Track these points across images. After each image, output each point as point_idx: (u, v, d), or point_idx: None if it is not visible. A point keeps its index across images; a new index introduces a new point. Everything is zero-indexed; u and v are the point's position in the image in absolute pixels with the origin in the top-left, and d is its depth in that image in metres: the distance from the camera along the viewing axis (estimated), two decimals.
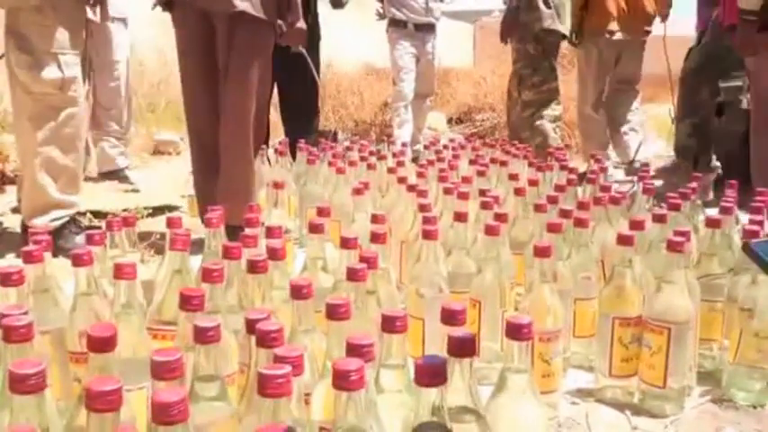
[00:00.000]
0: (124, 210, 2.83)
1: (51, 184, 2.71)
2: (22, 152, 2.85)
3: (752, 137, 3.43)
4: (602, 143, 4.62)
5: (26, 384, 0.86)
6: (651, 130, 6.66)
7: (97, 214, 3.18)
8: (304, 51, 3.28)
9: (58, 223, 2.73)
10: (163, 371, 0.91)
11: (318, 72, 4.27)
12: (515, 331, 1.07)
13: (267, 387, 0.86)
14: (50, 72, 2.65)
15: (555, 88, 4.57)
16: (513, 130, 4.78)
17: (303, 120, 4.38)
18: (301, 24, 2.84)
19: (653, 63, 4.76)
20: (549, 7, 4.32)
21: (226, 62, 2.77)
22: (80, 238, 2.56)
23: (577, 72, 4.84)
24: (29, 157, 2.72)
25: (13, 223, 3.19)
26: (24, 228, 2.71)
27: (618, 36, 4.33)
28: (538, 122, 4.48)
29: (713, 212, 2.03)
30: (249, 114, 2.81)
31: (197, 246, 1.80)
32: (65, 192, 2.77)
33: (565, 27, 4.44)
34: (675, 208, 2.07)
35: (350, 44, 8.26)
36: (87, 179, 3.88)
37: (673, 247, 1.64)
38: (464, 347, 0.98)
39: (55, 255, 1.83)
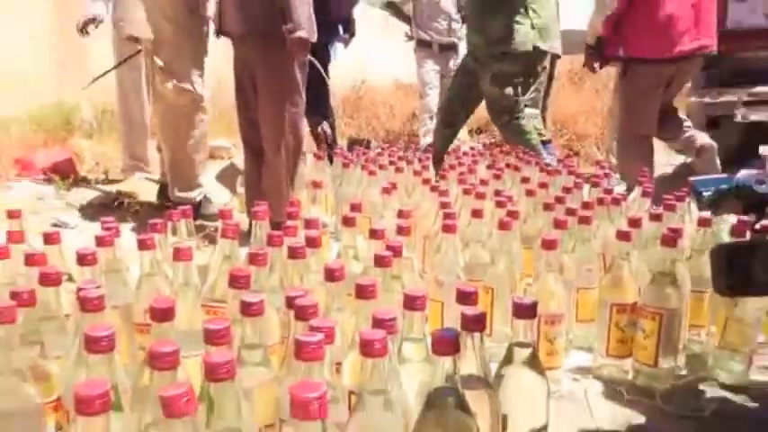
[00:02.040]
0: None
1: (191, 175, 3.22)
2: (168, 148, 3.25)
3: None
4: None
5: (99, 345, 0.90)
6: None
7: (159, 208, 3.27)
8: (315, 62, 3.15)
9: (200, 197, 3.26)
10: (214, 337, 0.94)
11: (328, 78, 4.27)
12: (521, 310, 1.09)
13: (303, 352, 0.88)
14: (187, 90, 3.07)
15: (534, 98, 4.46)
16: None
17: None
18: (301, 34, 2.68)
19: None
20: (533, 28, 4.34)
21: (255, 79, 2.81)
22: (214, 207, 3.15)
23: None
24: (174, 154, 3.18)
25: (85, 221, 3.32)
26: (176, 203, 3.01)
27: None
28: (515, 122, 4.43)
29: (705, 214, 2.02)
30: (282, 125, 2.80)
31: (243, 239, 1.83)
32: (199, 175, 3.28)
33: (547, 45, 4.42)
34: (671, 208, 2.06)
35: (381, 63, 8.26)
36: (149, 180, 3.97)
37: (667, 242, 1.64)
38: (475, 322, 0.99)
39: (195, 218, 2.23)
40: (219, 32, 2.92)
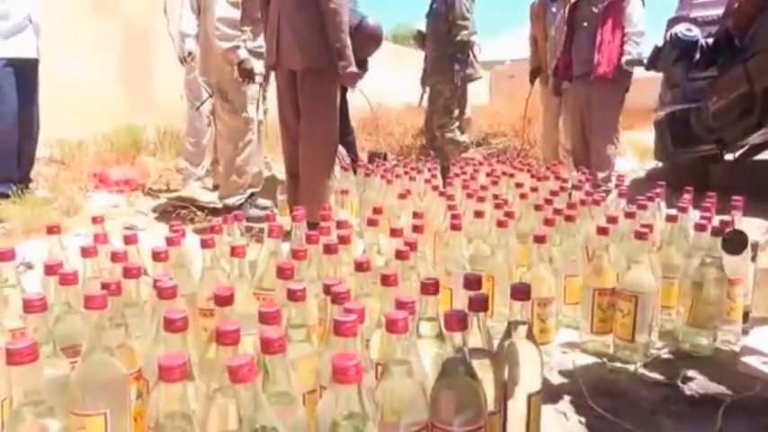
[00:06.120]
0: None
1: (238, 180, 3.37)
2: (223, 161, 3.46)
3: None
4: None
5: (175, 325, 0.94)
6: (629, 150, 6.54)
7: (217, 212, 3.34)
8: (360, 90, 3.29)
9: (239, 201, 3.37)
10: (267, 318, 0.97)
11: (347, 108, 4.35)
12: (517, 293, 1.11)
13: (341, 329, 0.91)
14: (241, 115, 3.33)
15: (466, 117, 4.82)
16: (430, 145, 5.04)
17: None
18: (352, 69, 2.79)
19: (632, 97, 4.68)
20: (477, 62, 4.63)
21: (301, 105, 2.84)
22: (254, 211, 3.30)
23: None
24: (228, 164, 3.38)
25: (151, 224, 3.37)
26: (225, 206, 3.32)
27: None
28: (448, 135, 4.70)
29: (672, 211, 2.02)
30: (320, 143, 2.85)
31: (284, 238, 1.86)
32: (246, 184, 3.41)
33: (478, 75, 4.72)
34: (642, 207, 2.07)
35: (395, 88, 8.30)
36: (205, 188, 4.03)
37: (639, 236, 1.65)
38: (479, 304, 1.02)
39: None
40: (273, 68, 2.97)
